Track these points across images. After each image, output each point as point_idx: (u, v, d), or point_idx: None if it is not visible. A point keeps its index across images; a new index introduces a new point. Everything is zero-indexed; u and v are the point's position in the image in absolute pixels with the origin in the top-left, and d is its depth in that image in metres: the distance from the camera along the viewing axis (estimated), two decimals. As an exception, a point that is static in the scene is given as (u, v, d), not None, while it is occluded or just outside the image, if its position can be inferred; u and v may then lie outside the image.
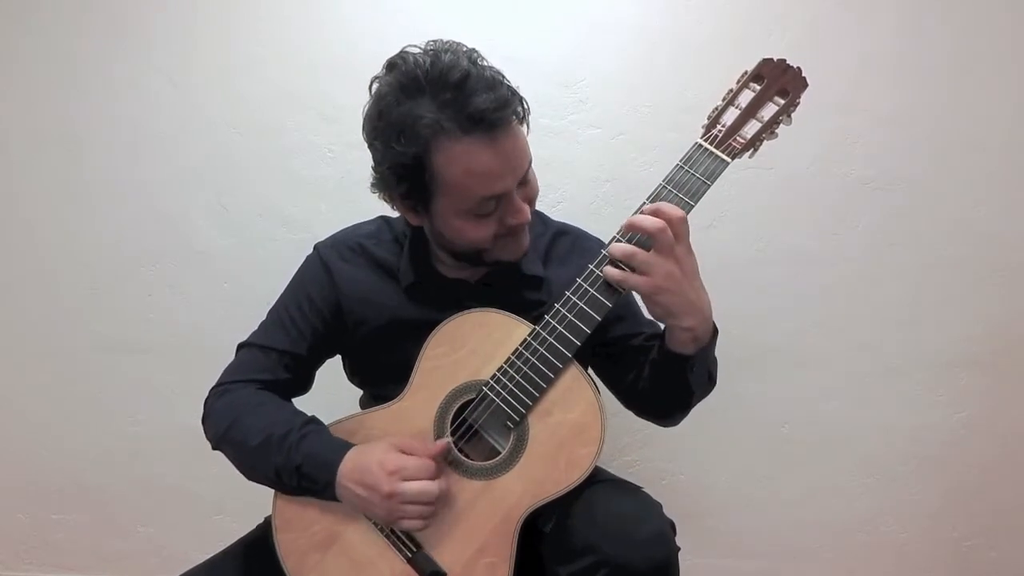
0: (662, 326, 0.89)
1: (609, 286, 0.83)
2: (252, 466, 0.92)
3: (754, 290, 1.49)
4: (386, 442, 0.87)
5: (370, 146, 0.90)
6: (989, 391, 1.49)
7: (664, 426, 1.02)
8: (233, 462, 0.95)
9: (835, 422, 1.51)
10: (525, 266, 0.99)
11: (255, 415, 0.93)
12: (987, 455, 1.51)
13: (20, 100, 1.53)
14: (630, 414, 1.51)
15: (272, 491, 0.94)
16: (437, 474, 0.85)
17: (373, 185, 0.93)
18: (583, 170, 1.48)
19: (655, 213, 0.80)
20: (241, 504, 1.49)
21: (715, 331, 0.87)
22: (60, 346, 1.56)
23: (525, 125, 0.88)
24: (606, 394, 0.98)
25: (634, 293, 0.85)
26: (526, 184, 0.90)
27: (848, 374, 1.50)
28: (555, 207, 1.48)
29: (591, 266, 0.85)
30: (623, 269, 0.81)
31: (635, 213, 0.82)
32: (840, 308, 1.49)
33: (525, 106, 0.87)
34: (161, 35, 1.50)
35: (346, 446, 0.88)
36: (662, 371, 0.90)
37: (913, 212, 1.47)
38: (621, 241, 0.83)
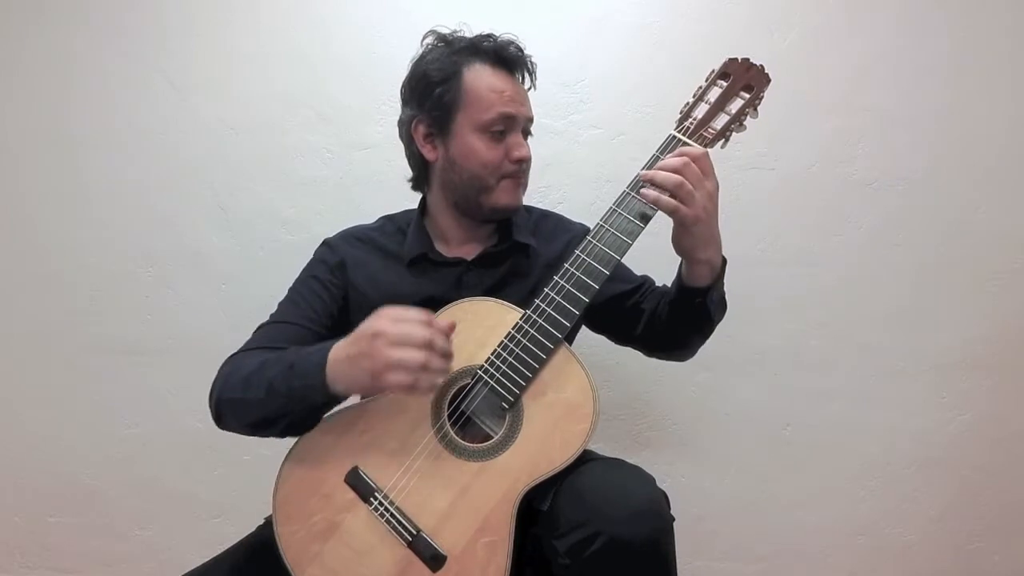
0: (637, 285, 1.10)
1: (598, 262, 0.89)
2: (245, 399, 0.89)
3: (756, 291, 1.48)
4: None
5: (404, 88, 1.06)
6: (992, 393, 1.48)
7: (684, 359, 1.12)
8: (229, 411, 0.92)
9: (837, 424, 1.50)
10: (516, 235, 1.08)
11: (256, 356, 0.93)
12: (990, 457, 1.50)
13: (19, 101, 1.52)
14: (632, 417, 1.53)
15: (272, 491, 0.93)
16: (428, 324, 0.80)
17: (399, 123, 1.08)
18: (583, 170, 1.48)
19: (663, 167, 0.87)
20: (240, 507, 1.48)
21: (724, 260, 0.96)
22: (58, 347, 1.55)
23: (532, 89, 1.08)
24: (601, 384, 1.00)
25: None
26: (526, 138, 1.05)
27: (850, 375, 1.49)
28: (555, 207, 1.47)
29: (621, 198, 0.91)
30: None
31: (622, 194, 0.91)
32: (842, 309, 1.48)
33: (533, 73, 1.07)
34: (160, 35, 1.50)
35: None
36: (682, 307, 0.98)
37: (916, 213, 1.46)
38: (631, 194, 0.90)
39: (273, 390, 0.86)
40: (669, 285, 1.04)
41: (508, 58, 1.03)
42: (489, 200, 1.03)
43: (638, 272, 1.16)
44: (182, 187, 1.52)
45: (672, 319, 1.02)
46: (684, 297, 0.97)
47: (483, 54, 1.02)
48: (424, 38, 1.07)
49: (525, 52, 1.05)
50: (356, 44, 1.48)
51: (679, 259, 0.97)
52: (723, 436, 1.52)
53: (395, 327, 0.79)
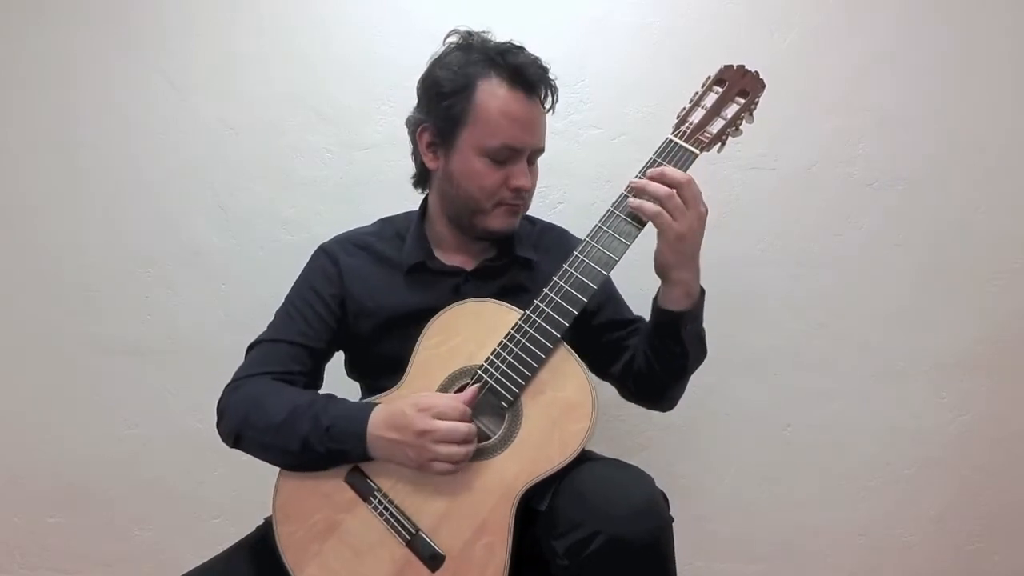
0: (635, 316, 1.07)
1: (596, 263, 0.89)
2: (277, 444, 0.92)
3: (756, 291, 1.48)
4: (415, 395, 0.89)
5: (419, 86, 1.03)
6: (993, 393, 1.48)
7: (659, 408, 1.09)
8: (255, 447, 0.95)
9: (837, 424, 1.50)
10: (518, 249, 1.06)
11: (276, 396, 0.94)
12: (991, 457, 1.50)
13: (19, 100, 1.52)
14: (632, 418, 1.52)
15: (271, 491, 0.93)
16: (466, 419, 0.86)
17: (407, 121, 1.05)
18: (583, 170, 1.47)
19: (661, 176, 0.87)
20: (240, 507, 1.48)
21: (702, 293, 0.95)
22: (57, 347, 1.55)
23: (551, 112, 1.02)
24: (602, 384, 1.00)
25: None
26: (533, 164, 1.02)
27: (851, 376, 1.49)
28: (555, 208, 1.47)
29: (619, 201, 0.91)
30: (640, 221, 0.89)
31: (620, 196, 0.91)
32: (843, 309, 1.48)
33: (555, 95, 1.01)
34: (160, 35, 1.50)
35: (373, 404, 0.91)
36: (657, 336, 0.96)
37: (916, 213, 1.46)
38: (629, 197, 0.90)
39: (309, 448, 0.89)
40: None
41: (528, 79, 0.96)
42: (482, 223, 1.01)
43: (650, 289, 1.10)
44: (182, 187, 1.52)
45: (648, 353, 0.98)
46: (659, 321, 0.95)
47: (501, 69, 0.95)
48: (447, 36, 1.02)
49: (548, 73, 0.99)
50: (356, 44, 1.48)
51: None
52: (723, 436, 1.52)
53: (442, 426, 0.84)
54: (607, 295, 1.11)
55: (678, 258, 0.88)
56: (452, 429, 0.84)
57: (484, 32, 1.01)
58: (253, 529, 1.03)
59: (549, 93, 1.00)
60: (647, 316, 1.09)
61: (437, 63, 1.01)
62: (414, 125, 1.03)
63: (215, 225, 1.52)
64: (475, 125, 0.96)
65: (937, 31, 1.44)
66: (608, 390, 1.48)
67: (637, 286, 1.14)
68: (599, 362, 1.09)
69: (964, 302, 1.47)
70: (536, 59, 0.98)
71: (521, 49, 0.99)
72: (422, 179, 1.10)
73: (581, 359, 1.12)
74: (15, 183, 1.53)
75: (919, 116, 1.45)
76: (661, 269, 0.91)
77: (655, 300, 0.95)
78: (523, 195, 1.01)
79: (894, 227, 1.47)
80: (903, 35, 1.44)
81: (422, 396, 0.88)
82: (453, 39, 1.02)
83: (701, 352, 1.00)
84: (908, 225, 1.47)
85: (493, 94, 0.95)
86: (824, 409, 1.50)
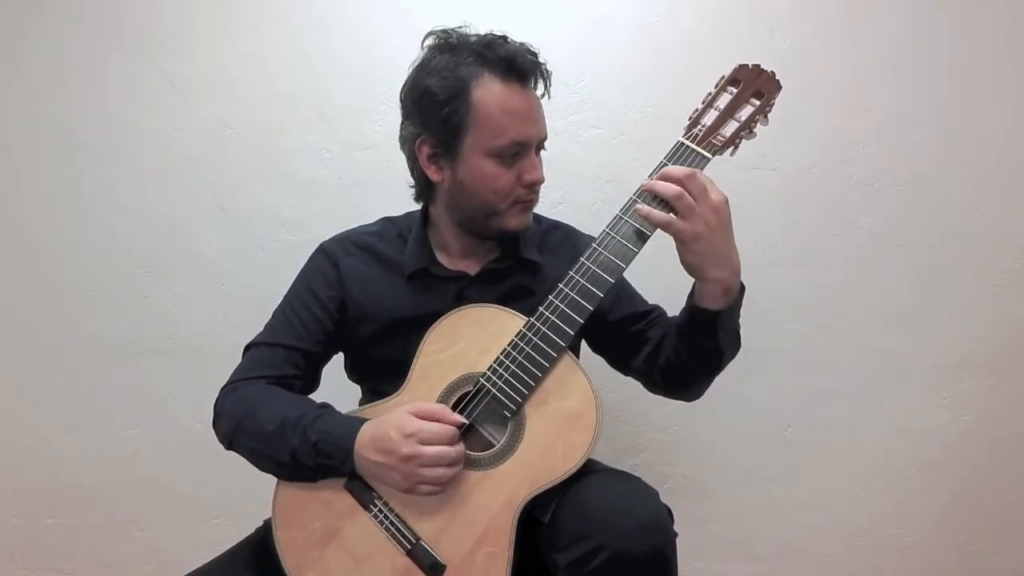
0: (652, 307, 1.05)
1: (603, 270, 0.87)
2: (269, 454, 0.91)
3: (756, 291, 1.46)
4: (402, 409, 0.87)
5: (405, 99, 0.99)
6: (994, 394, 1.48)
7: (688, 399, 1.05)
8: (248, 454, 0.94)
9: (838, 425, 1.50)
10: (523, 251, 1.04)
11: (269, 404, 0.94)
12: (992, 458, 1.49)
13: (19, 101, 1.52)
14: (633, 418, 1.52)
15: (271, 491, 0.93)
16: (454, 441, 0.85)
17: (401, 138, 1.01)
18: (583, 170, 1.47)
19: (664, 176, 0.84)
20: (239, 508, 1.48)
21: (742, 288, 0.91)
22: (56, 348, 1.55)
23: (546, 97, 0.99)
24: (602, 385, 0.98)
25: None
26: (540, 155, 0.99)
27: (851, 376, 1.49)
28: (555, 208, 1.47)
29: (628, 205, 0.88)
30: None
31: (628, 200, 0.88)
32: (843, 310, 1.48)
33: (548, 80, 0.97)
34: (160, 35, 1.50)
35: (361, 420, 0.89)
36: (691, 332, 0.92)
37: (917, 213, 1.46)
38: (638, 202, 0.86)
39: (298, 461, 0.89)
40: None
41: (520, 68, 0.93)
42: (497, 224, 0.98)
43: (659, 288, 1.10)
44: (182, 187, 1.52)
45: (679, 347, 0.95)
46: (692, 319, 0.91)
47: (492, 64, 0.92)
48: (424, 40, 0.98)
49: (539, 58, 0.96)
50: (356, 44, 1.48)
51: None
52: (723, 436, 1.52)
53: (428, 451, 0.83)
54: (619, 290, 1.07)
55: (702, 258, 0.84)
56: (439, 455, 0.82)
57: (462, 27, 0.98)
58: (253, 531, 1.02)
59: (542, 79, 0.97)
60: (662, 304, 1.10)
61: (423, 71, 0.96)
62: (410, 140, 0.98)
63: (215, 225, 1.52)
64: (478, 128, 0.92)
65: (937, 31, 1.44)
66: (610, 394, 1.49)
67: (648, 283, 1.14)
68: (620, 358, 1.08)
69: (964, 302, 1.47)
70: (524, 46, 0.95)
71: (505, 38, 0.95)
72: (424, 194, 1.05)
73: (602, 356, 1.12)
74: (16, 183, 1.53)
75: (919, 116, 1.45)
76: (690, 271, 0.87)
77: (690, 295, 0.92)
78: (536, 189, 0.98)
79: (894, 227, 1.47)
80: (903, 35, 1.44)
81: (407, 419, 0.84)
82: (430, 41, 0.98)
83: (736, 346, 0.98)
84: (908, 225, 1.46)
85: (489, 91, 0.92)
86: (824, 409, 1.50)
